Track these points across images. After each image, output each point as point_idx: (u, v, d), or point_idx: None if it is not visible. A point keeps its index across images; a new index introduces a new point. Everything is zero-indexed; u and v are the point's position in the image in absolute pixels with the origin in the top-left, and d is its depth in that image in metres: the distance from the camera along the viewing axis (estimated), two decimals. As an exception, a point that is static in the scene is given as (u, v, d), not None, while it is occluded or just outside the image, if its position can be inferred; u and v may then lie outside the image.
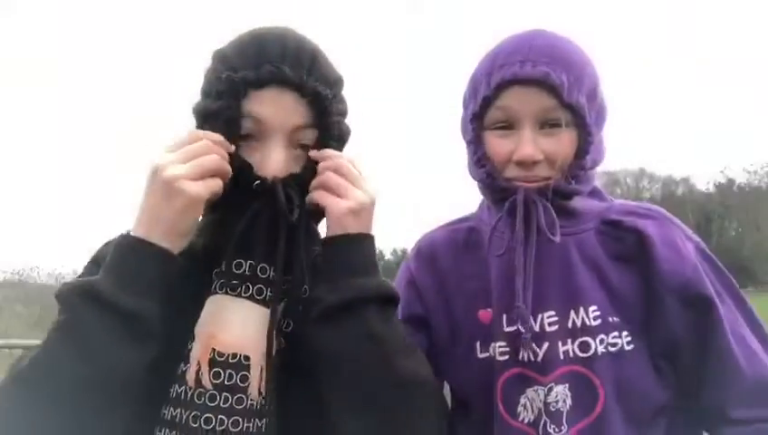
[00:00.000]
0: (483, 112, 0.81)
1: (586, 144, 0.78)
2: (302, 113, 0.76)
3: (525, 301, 0.80)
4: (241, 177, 0.75)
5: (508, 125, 0.80)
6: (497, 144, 0.80)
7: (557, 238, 0.78)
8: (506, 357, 0.84)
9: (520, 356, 0.83)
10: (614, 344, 0.81)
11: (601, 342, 0.81)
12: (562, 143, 0.78)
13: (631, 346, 0.80)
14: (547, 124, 0.78)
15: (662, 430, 0.84)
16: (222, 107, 0.75)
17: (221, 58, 0.79)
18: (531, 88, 0.77)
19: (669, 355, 0.82)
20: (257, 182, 0.75)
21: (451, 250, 0.95)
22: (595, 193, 0.89)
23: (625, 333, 0.81)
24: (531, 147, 0.77)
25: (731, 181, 67.14)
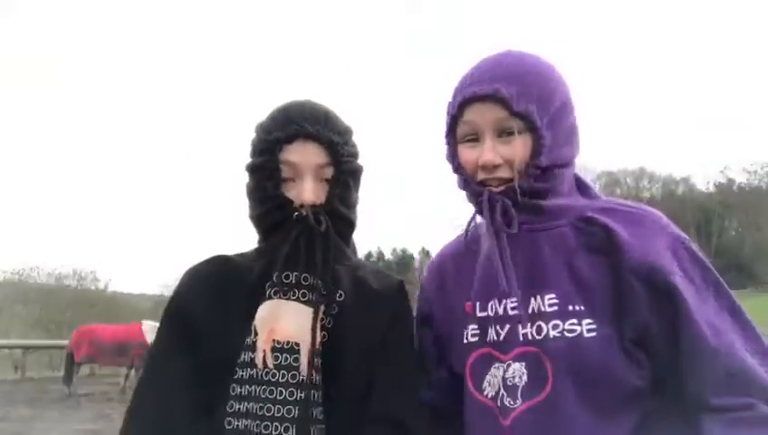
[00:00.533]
0: (454, 129, 0.95)
1: (539, 146, 0.88)
2: (321, 155, 1.01)
3: (509, 284, 0.89)
4: (285, 210, 1.01)
5: (475, 137, 0.93)
6: (466, 154, 0.94)
7: (513, 230, 0.89)
8: (476, 338, 0.95)
9: (488, 338, 0.93)
10: (572, 331, 0.86)
11: (555, 327, 0.87)
12: (517, 148, 0.89)
13: (593, 334, 0.85)
14: (504, 132, 0.90)
15: (634, 419, 0.85)
16: (264, 160, 1.01)
17: (260, 127, 1.06)
18: (486, 103, 0.89)
19: (643, 343, 0.85)
20: (296, 214, 1.00)
21: (455, 254, 1.08)
22: (585, 191, 0.97)
23: (587, 320, 0.85)
24: (490, 153, 0.90)
25: (731, 181, 67.08)
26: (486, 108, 0.90)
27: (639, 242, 0.86)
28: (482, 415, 0.92)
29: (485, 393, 0.92)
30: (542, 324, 0.88)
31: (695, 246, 0.89)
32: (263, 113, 1.09)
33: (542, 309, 0.88)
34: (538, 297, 0.89)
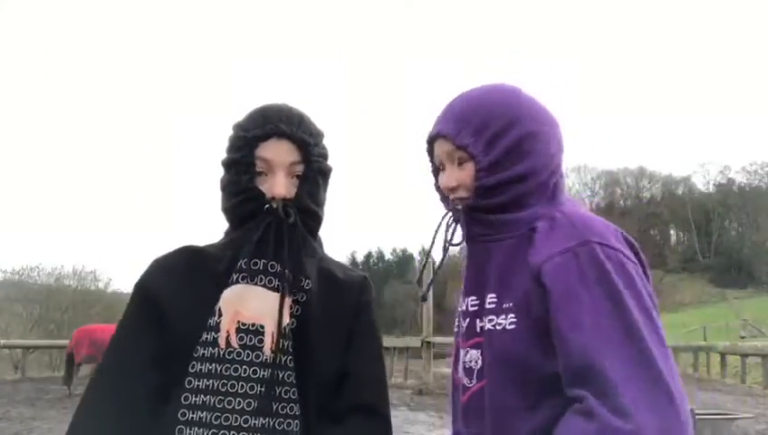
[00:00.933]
0: (432, 159, 1.15)
1: (478, 170, 1.05)
2: (294, 153, 1.10)
3: (463, 285, 1.12)
4: (256, 201, 1.08)
5: (443, 166, 1.11)
6: (440, 179, 1.13)
7: (457, 242, 1.11)
8: (456, 329, 1.15)
9: (459, 329, 1.12)
10: (500, 324, 1.01)
11: (490, 321, 1.02)
12: (464, 173, 1.07)
13: (513, 326, 0.98)
14: (456, 161, 1.08)
15: (557, 406, 0.92)
16: (241, 156, 1.09)
17: (238, 126, 1.13)
18: (440, 140, 1.10)
19: (547, 334, 0.94)
20: (267, 206, 1.08)
21: None
22: (552, 200, 1.08)
23: (511, 315, 0.99)
24: (446, 179, 1.10)
25: (731, 181, 67.02)
26: (442, 144, 1.09)
27: (543, 247, 0.98)
28: (455, 390, 1.12)
29: (459, 374, 1.10)
30: (485, 319, 1.04)
31: (605, 252, 0.92)
32: (257, 107, 1.16)
33: (486, 306, 1.04)
34: (485, 296, 1.05)
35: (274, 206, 1.07)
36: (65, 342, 10.87)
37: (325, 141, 1.18)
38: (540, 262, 0.96)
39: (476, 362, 1.04)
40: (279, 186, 1.07)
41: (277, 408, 1.02)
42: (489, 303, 1.04)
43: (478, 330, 1.05)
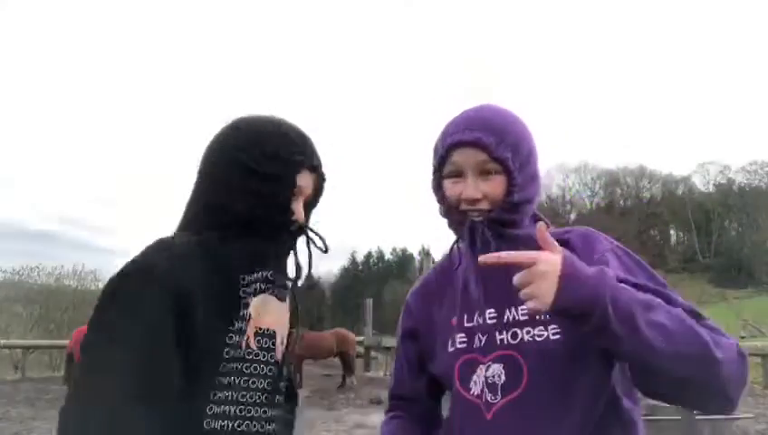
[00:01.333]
0: (441, 167, 1.13)
1: (512, 185, 1.08)
2: (311, 185, 1.22)
3: (483, 298, 1.10)
4: (285, 219, 1.17)
5: (458, 174, 1.10)
6: (451, 188, 1.11)
7: (488, 252, 1.07)
8: (464, 345, 1.12)
9: (474, 344, 1.10)
10: (540, 335, 1.04)
11: (528, 332, 1.05)
12: (494, 186, 1.08)
13: (557, 337, 1.03)
14: (484, 172, 1.08)
15: (599, 408, 1.00)
16: (283, 175, 1.15)
17: (274, 141, 1.16)
18: (470, 148, 1.07)
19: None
20: (292, 227, 1.18)
21: (438, 276, 1.27)
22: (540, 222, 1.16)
23: (552, 326, 1.04)
24: (472, 190, 1.08)
25: (731, 181, 66.90)
26: (470, 152, 1.07)
27: (588, 249, 1.08)
28: (468, 411, 1.09)
29: (472, 392, 1.08)
30: (518, 331, 1.06)
31: (628, 250, 1.12)
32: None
33: (517, 318, 1.07)
34: (512, 309, 1.08)
35: (297, 227, 1.20)
36: (65, 342, 10.87)
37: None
38: (597, 257, 1.06)
39: (500, 376, 1.05)
40: (300, 213, 1.20)
41: (281, 399, 1.20)
42: (522, 315, 1.06)
43: (498, 343, 1.06)
